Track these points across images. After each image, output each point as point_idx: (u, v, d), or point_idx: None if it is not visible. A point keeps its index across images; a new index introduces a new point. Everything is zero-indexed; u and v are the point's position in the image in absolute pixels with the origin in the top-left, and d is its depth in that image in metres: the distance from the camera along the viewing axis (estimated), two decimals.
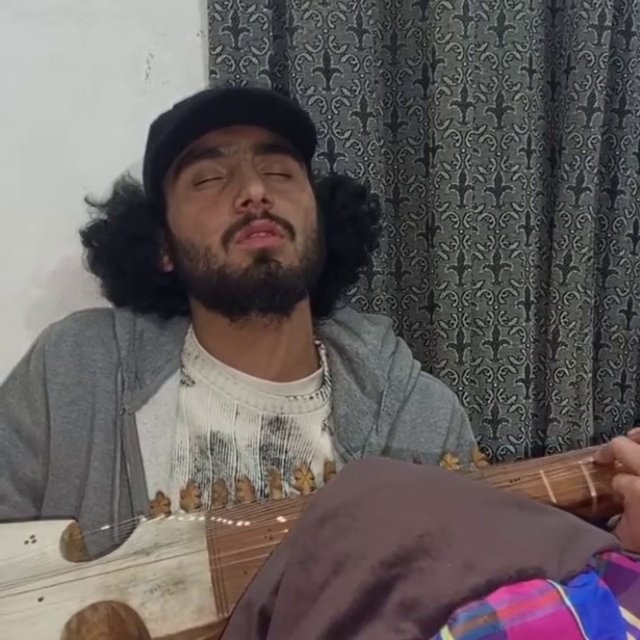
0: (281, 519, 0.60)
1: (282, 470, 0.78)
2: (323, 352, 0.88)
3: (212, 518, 0.61)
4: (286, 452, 0.79)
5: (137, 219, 0.83)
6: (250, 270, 0.76)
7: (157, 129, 0.84)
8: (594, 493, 0.63)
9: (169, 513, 0.63)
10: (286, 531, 0.58)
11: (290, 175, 0.82)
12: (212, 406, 0.80)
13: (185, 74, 0.99)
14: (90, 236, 0.85)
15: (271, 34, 0.97)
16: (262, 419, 0.80)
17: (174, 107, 0.85)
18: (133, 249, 0.82)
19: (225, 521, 0.61)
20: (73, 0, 0.95)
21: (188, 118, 0.76)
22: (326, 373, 0.86)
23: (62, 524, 0.63)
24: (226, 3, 0.96)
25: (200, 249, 0.78)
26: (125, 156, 0.89)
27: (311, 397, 0.83)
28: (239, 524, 0.60)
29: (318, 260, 0.82)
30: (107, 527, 0.67)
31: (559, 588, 0.38)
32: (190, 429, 0.78)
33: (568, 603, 0.38)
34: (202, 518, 0.61)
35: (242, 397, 0.80)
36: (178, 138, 0.78)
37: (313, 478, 0.66)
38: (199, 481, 0.75)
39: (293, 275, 0.77)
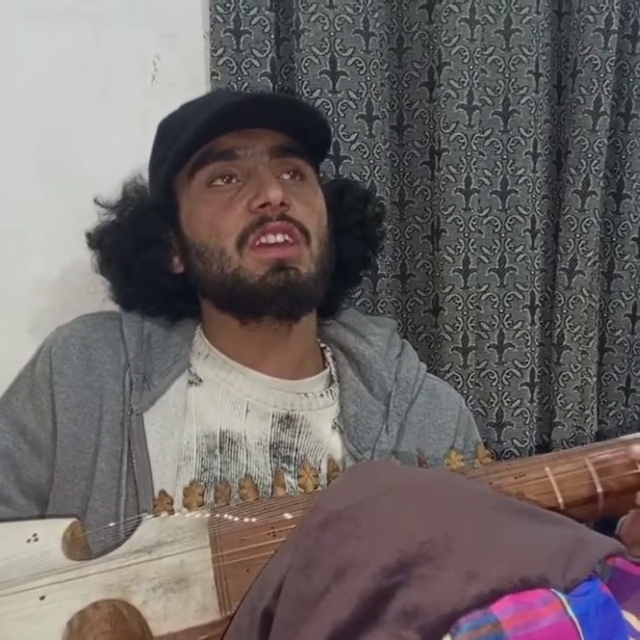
0: (284, 516, 0.60)
1: (292, 468, 0.77)
2: (328, 354, 0.88)
3: (215, 516, 0.61)
4: (297, 450, 0.79)
5: (147, 220, 0.82)
6: (267, 278, 0.75)
7: (168, 130, 0.83)
8: (600, 489, 0.62)
9: (172, 511, 0.62)
10: (290, 528, 0.57)
11: (304, 178, 0.81)
12: (222, 404, 0.80)
13: (191, 76, 0.99)
14: (99, 239, 0.84)
15: (273, 36, 0.97)
16: (273, 416, 0.80)
17: (182, 107, 0.85)
18: (143, 250, 0.81)
19: (228, 518, 0.60)
20: (81, 2, 0.95)
21: (207, 123, 0.75)
22: (333, 374, 0.86)
23: (64, 523, 0.63)
24: (228, 5, 0.96)
25: (214, 251, 0.77)
26: (132, 158, 0.88)
27: (322, 395, 0.83)
28: (242, 521, 0.60)
29: (329, 264, 0.82)
30: (109, 525, 0.67)
31: (562, 597, 0.38)
32: (198, 429, 0.77)
33: (571, 613, 0.37)
34: (205, 516, 0.61)
35: (252, 394, 0.80)
36: (194, 140, 0.77)
37: (316, 476, 0.65)
38: (205, 480, 0.75)
39: (311, 281, 0.77)
